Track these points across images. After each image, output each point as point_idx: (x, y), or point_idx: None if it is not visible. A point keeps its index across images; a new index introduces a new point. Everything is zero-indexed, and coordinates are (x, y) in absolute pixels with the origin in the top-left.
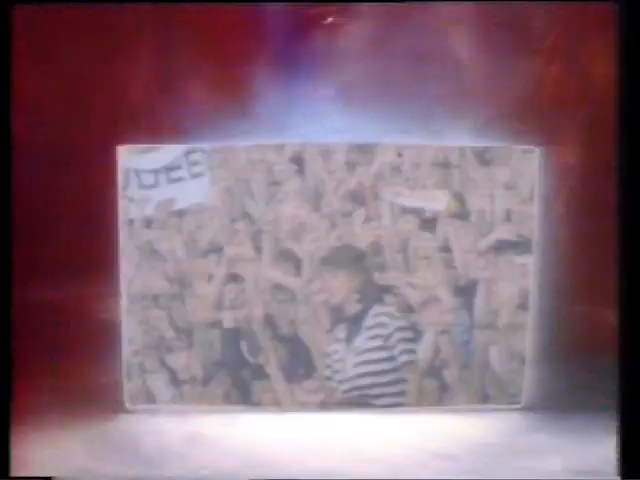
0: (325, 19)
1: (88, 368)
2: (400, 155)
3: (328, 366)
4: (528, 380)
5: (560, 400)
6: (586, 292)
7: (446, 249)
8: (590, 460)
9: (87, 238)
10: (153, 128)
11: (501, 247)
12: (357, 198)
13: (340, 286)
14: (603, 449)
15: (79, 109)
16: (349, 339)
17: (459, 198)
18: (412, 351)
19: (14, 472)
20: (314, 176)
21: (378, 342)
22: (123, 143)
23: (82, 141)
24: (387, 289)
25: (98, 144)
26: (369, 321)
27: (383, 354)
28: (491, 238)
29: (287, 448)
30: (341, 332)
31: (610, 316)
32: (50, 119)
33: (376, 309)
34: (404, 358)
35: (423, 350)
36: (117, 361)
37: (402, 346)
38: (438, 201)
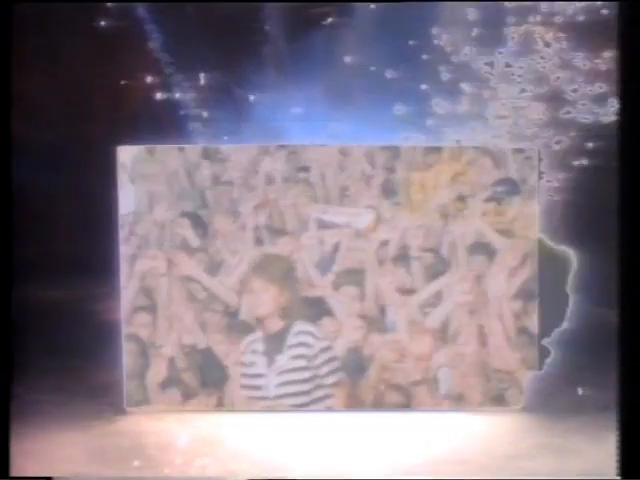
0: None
1: (88, 369)
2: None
3: (244, 375)
4: (529, 381)
5: (560, 400)
6: (586, 292)
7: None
8: (590, 460)
9: (87, 238)
10: (152, 128)
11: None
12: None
13: (267, 300)
14: (603, 449)
15: (79, 109)
16: (269, 354)
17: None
18: (337, 371)
19: (14, 472)
20: (236, 183)
21: (302, 362)
22: (123, 143)
23: (82, 141)
24: (315, 304)
25: (98, 144)
26: (291, 339)
27: (306, 374)
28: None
29: (288, 448)
30: (258, 344)
31: (610, 316)
32: (50, 119)
33: (298, 327)
34: (330, 380)
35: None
36: (117, 362)
37: (327, 368)
38: (363, 217)
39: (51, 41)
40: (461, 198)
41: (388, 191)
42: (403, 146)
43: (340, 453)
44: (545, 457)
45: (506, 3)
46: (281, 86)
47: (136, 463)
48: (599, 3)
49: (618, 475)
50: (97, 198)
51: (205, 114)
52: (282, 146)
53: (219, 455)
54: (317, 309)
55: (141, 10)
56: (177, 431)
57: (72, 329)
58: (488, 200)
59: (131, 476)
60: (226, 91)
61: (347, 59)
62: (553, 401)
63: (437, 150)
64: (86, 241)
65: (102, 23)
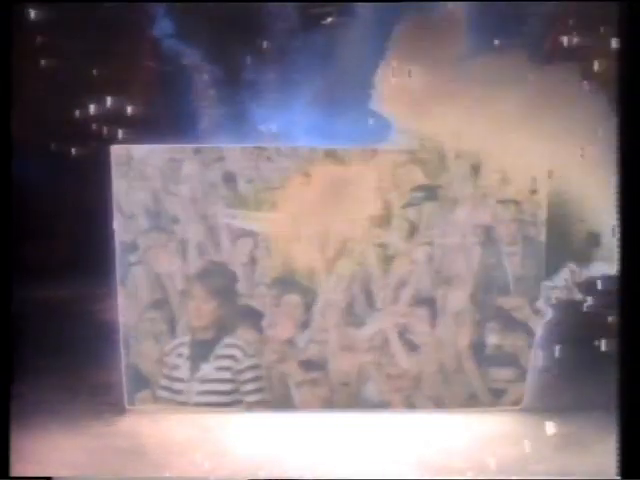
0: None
1: (88, 368)
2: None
3: (166, 377)
4: (530, 382)
5: (560, 400)
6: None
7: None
8: (590, 460)
9: (87, 238)
10: (152, 127)
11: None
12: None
13: (207, 311)
14: (603, 449)
15: (79, 108)
16: (194, 360)
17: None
18: (261, 390)
19: (14, 472)
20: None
21: (227, 374)
22: (124, 143)
23: (84, 141)
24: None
25: (99, 143)
26: (220, 350)
27: (229, 387)
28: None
29: (288, 448)
30: (184, 348)
31: (610, 316)
32: (50, 118)
33: (229, 339)
34: (253, 398)
35: None
36: (117, 361)
37: (251, 386)
38: (273, 223)
39: (51, 40)
40: (387, 205)
41: (310, 195)
42: (338, 149)
43: (341, 453)
44: (545, 457)
45: None
46: (281, 86)
47: (136, 463)
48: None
49: (618, 475)
50: (97, 198)
51: (203, 114)
52: (199, 149)
53: (219, 455)
54: (252, 321)
55: (143, 9)
56: (177, 431)
57: (72, 329)
58: (405, 206)
59: (131, 476)
60: (225, 91)
61: (348, 59)
62: (553, 401)
63: (369, 152)
64: (87, 241)
65: (103, 21)
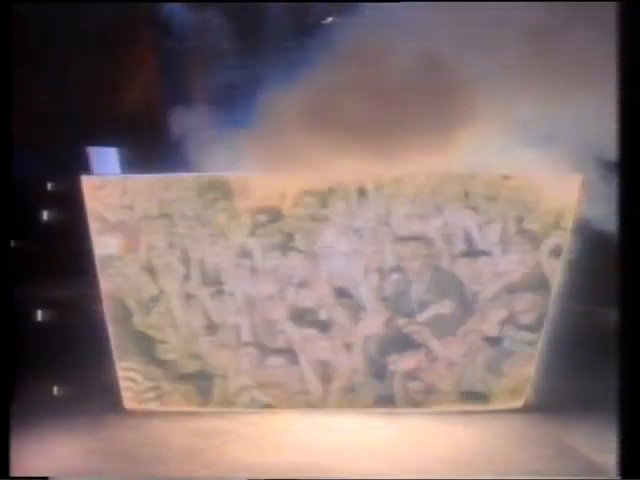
0: None
1: (87, 369)
2: None
3: None
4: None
5: (560, 400)
6: (587, 293)
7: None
8: (590, 460)
9: (87, 238)
10: (150, 129)
11: None
12: None
13: None
14: (603, 449)
15: (78, 109)
16: None
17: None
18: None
19: (14, 472)
20: None
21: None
22: (123, 144)
23: (84, 141)
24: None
25: (99, 144)
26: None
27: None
28: None
29: (286, 448)
30: None
31: (610, 316)
32: (50, 119)
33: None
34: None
35: None
36: (115, 363)
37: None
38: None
39: (52, 39)
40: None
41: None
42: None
43: (345, 452)
44: (545, 457)
45: None
46: (281, 86)
47: (136, 463)
48: None
49: (618, 475)
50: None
51: (200, 116)
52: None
53: (218, 455)
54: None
55: (141, 12)
56: (176, 431)
57: (72, 329)
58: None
59: (130, 476)
60: (224, 92)
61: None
62: (553, 401)
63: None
64: (86, 241)
65: (102, 22)
